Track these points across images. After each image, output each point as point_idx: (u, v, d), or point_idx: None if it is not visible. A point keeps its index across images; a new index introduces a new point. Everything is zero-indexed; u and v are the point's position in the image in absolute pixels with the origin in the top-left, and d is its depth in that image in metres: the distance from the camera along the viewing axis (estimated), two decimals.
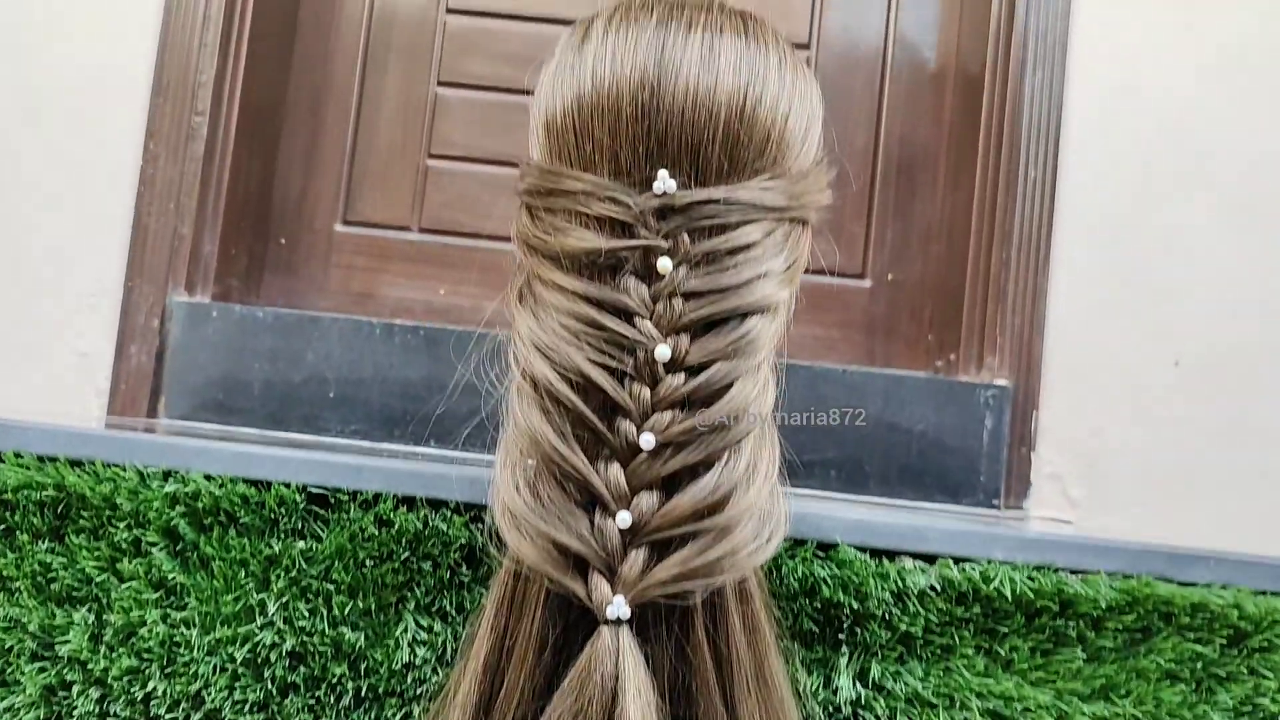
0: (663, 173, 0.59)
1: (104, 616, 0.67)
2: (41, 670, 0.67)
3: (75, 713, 0.66)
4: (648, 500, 0.57)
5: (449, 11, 1.61)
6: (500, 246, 1.49)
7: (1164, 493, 1.39)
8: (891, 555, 0.67)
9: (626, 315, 0.59)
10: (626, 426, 0.58)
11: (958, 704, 0.64)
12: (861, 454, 1.40)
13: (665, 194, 0.59)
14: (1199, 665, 0.64)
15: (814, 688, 0.65)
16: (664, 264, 0.59)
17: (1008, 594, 0.64)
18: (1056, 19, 1.45)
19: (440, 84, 1.61)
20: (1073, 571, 0.66)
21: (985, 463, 1.39)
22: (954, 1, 1.60)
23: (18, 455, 0.70)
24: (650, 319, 0.59)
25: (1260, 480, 1.38)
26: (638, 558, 0.56)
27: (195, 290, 1.45)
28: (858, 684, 0.65)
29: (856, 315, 1.57)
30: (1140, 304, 1.41)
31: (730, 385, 0.59)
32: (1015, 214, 1.43)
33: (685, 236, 0.60)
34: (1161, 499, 1.38)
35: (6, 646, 0.68)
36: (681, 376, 0.59)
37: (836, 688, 0.65)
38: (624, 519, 0.57)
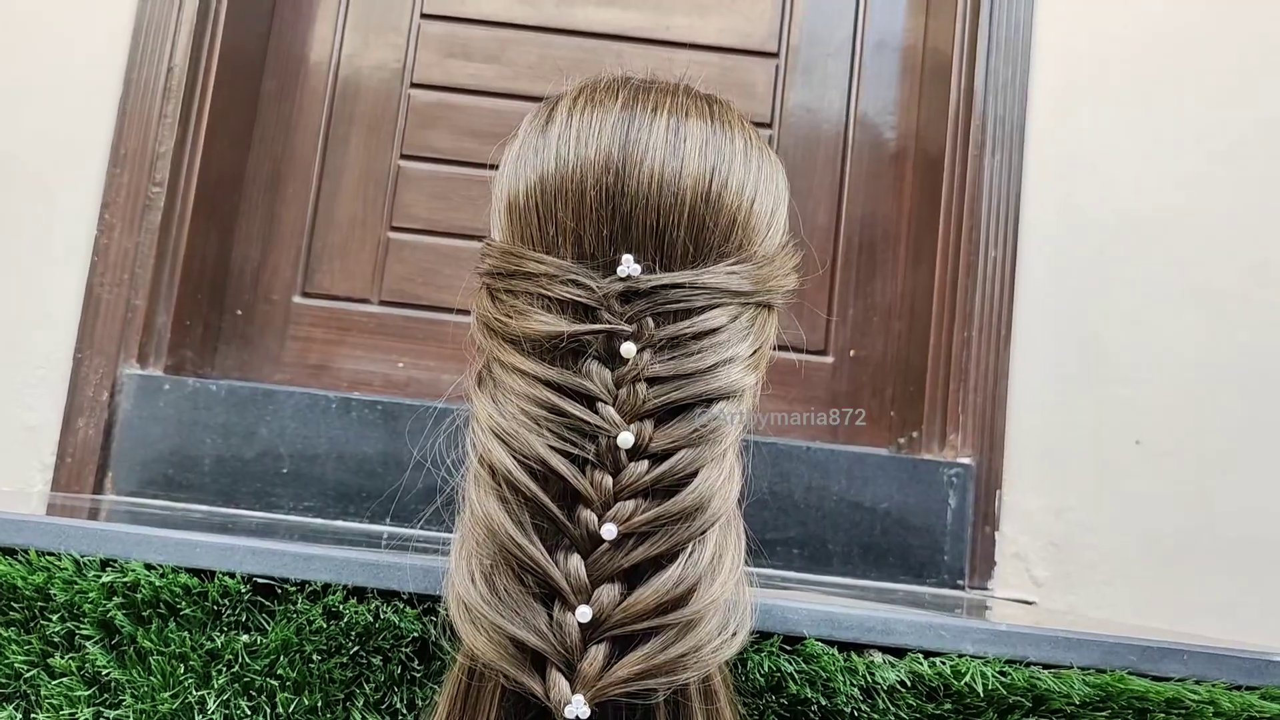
0: (627, 257, 0.58)
1: (32, 715, 0.63)
2: None
3: None
4: (609, 593, 0.55)
5: (413, 86, 1.61)
6: (462, 320, 1.47)
7: (1127, 572, 1.38)
8: (860, 649, 0.65)
9: (589, 401, 0.58)
10: (587, 516, 0.56)
11: None
12: (825, 533, 1.38)
13: (629, 278, 0.58)
14: None
15: None
16: (628, 349, 0.58)
17: (979, 689, 0.62)
18: (1014, 101, 1.47)
19: (403, 157, 1.60)
20: (1045, 666, 0.64)
21: (949, 542, 1.38)
22: (914, 84, 1.63)
23: None
24: (613, 405, 0.58)
25: (1222, 558, 1.38)
26: (598, 654, 0.54)
27: (148, 362, 1.42)
28: None
29: (819, 391, 1.57)
30: (1101, 383, 1.42)
31: (695, 473, 0.58)
32: (976, 293, 1.44)
33: (649, 321, 0.58)
34: (1125, 578, 1.38)
35: None
36: (645, 464, 0.57)
37: None
38: (584, 613, 0.54)
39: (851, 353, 1.57)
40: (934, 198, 1.51)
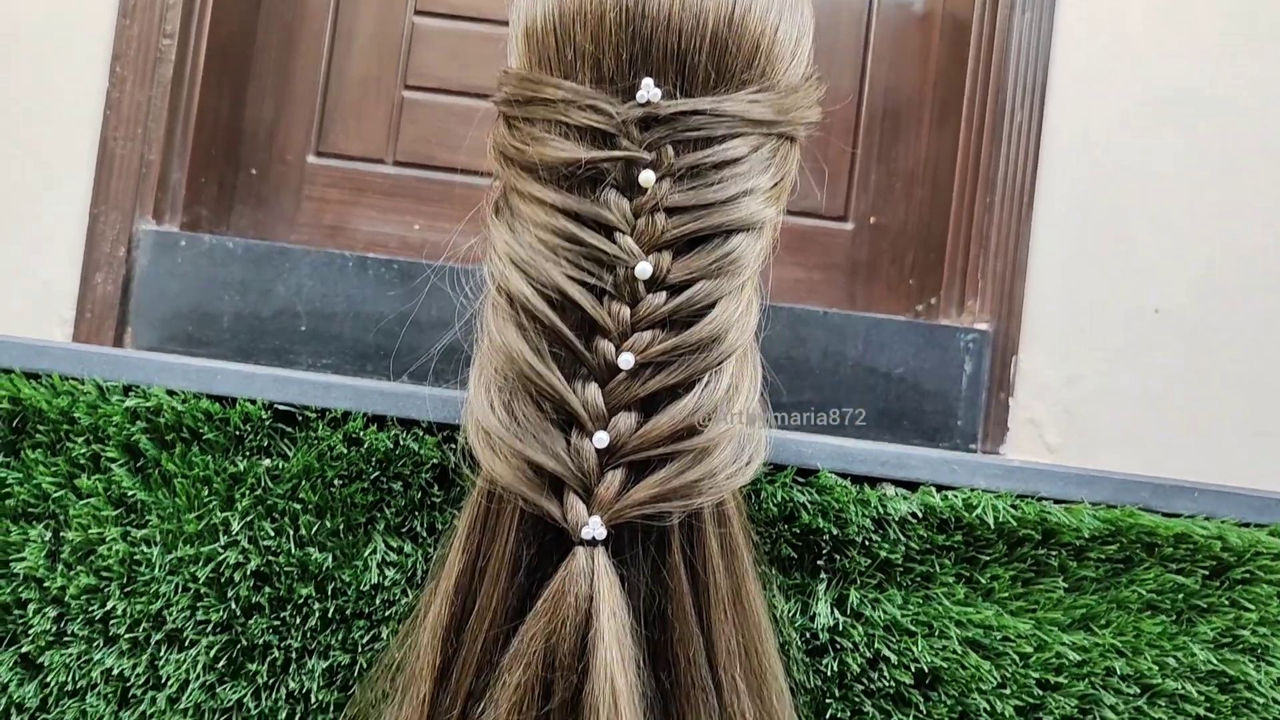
0: (647, 80, 0.57)
1: (61, 534, 0.65)
2: None
3: (31, 631, 0.64)
4: (626, 421, 0.56)
5: None
6: (477, 181, 1.46)
7: (1141, 440, 1.39)
8: (873, 482, 0.65)
9: (606, 230, 0.57)
10: (605, 346, 0.56)
11: (936, 632, 0.63)
12: (840, 396, 1.38)
13: (649, 103, 0.57)
14: (1180, 596, 0.63)
15: (791, 614, 0.64)
16: (646, 177, 0.57)
17: (990, 522, 0.63)
18: None
19: (418, 13, 1.57)
20: (1056, 501, 0.65)
21: (963, 407, 1.39)
22: None
23: None
24: (631, 235, 0.57)
25: (1237, 428, 1.38)
26: (614, 478, 0.55)
27: (163, 219, 1.41)
28: (836, 611, 0.64)
29: (838, 258, 1.55)
30: (1121, 251, 1.40)
31: (713, 305, 0.57)
32: (1000, 159, 1.41)
33: (669, 149, 0.57)
34: (1138, 446, 1.38)
35: None
36: (663, 295, 0.57)
37: (814, 614, 0.64)
38: (601, 439, 0.55)
39: (872, 220, 1.55)
40: (960, 62, 1.47)
